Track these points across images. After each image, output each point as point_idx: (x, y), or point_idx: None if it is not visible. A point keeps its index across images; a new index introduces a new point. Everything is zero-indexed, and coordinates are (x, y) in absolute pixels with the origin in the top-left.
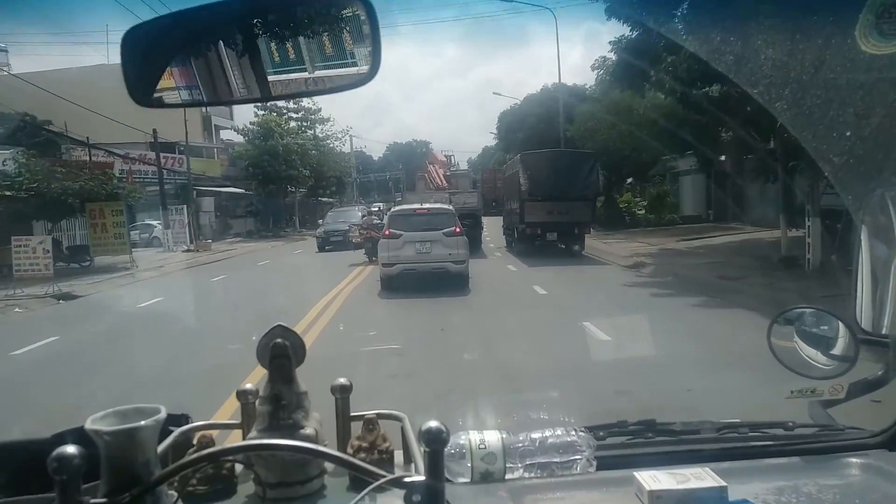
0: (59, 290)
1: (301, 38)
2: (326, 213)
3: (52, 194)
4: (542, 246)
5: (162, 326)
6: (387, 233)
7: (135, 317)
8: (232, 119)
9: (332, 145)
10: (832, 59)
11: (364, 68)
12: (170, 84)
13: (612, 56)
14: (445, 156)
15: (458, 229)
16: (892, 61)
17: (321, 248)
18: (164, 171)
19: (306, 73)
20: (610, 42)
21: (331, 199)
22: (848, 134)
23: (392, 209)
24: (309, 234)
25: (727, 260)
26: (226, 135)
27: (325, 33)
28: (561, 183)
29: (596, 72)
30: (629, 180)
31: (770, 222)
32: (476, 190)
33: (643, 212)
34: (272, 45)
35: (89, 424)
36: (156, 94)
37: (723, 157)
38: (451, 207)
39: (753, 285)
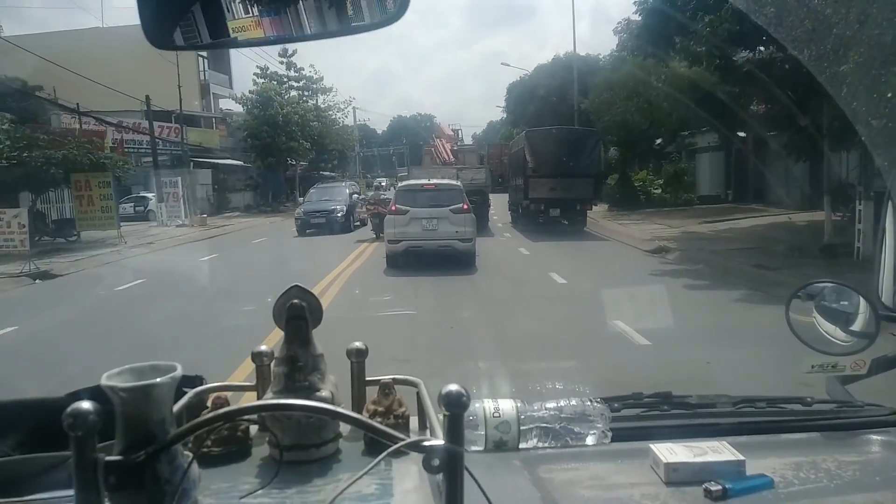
0: (36, 269)
1: None
2: (308, 190)
3: (35, 163)
4: (546, 222)
5: (137, 315)
6: (393, 208)
7: (111, 302)
8: (231, 87)
9: (334, 116)
10: (878, 13)
11: (392, 5)
12: (189, 23)
13: (637, 17)
14: (453, 130)
15: (465, 206)
16: None
17: (301, 232)
18: (159, 141)
19: (331, 10)
20: (635, 2)
21: (332, 173)
22: (889, 95)
23: (399, 184)
24: None
25: (761, 246)
26: (225, 104)
27: None
28: (564, 160)
29: (619, 35)
30: (668, 146)
31: (796, 204)
32: (484, 166)
33: (659, 191)
34: None
35: (105, 381)
36: (174, 36)
37: (743, 134)
38: (459, 183)
39: (798, 276)
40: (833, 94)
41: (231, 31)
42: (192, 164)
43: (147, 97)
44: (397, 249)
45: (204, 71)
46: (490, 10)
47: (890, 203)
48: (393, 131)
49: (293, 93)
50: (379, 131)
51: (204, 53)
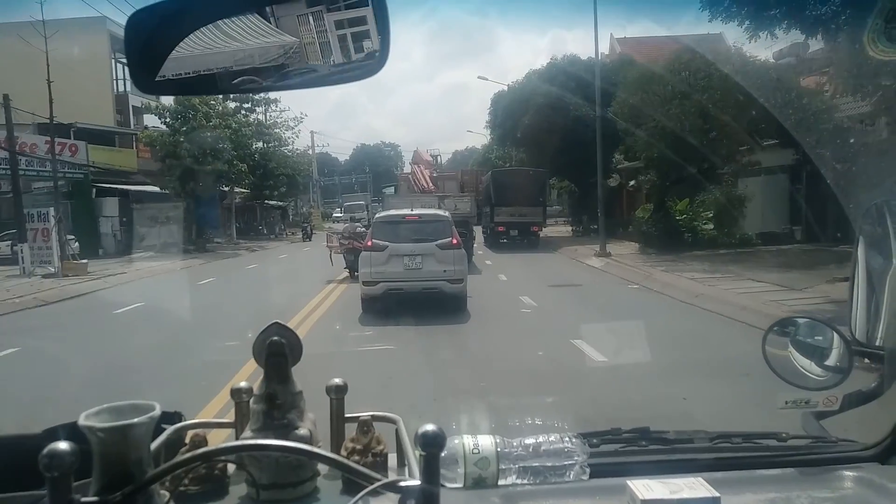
0: None
1: (312, 25)
2: None
3: None
4: (508, 240)
5: None
6: (368, 243)
7: None
8: (158, 100)
9: (283, 135)
10: (840, 64)
11: (372, 57)
12: (176, 70)
13: None
14: (431, 155)
15: (455, 241)
16: None
17: None
18: (39, 161)
19: (317, 62)
20: None
21: (280, 203)
22: (852, 140)
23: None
24: (247, 246)
25: None
26: (151, 121)
27: (336, 20)
28: (520, 193)
29: None
30: (724, 166)
31: None
32: (468, 194)
33: (708, 226)
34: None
35: (83, 420)
36: (160, 81)
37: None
38: (446, 214)
39: None
40: (798, 138)
41: (218, 78)
42: (94, 190)
43: (6, 96)
44: (374, 292)
45: (123, 80)
46: (451, 44)
47: (859, 240)
48: (356, 160)
49: (230, 104)
50: (341, 160)
51: (124, 59)
